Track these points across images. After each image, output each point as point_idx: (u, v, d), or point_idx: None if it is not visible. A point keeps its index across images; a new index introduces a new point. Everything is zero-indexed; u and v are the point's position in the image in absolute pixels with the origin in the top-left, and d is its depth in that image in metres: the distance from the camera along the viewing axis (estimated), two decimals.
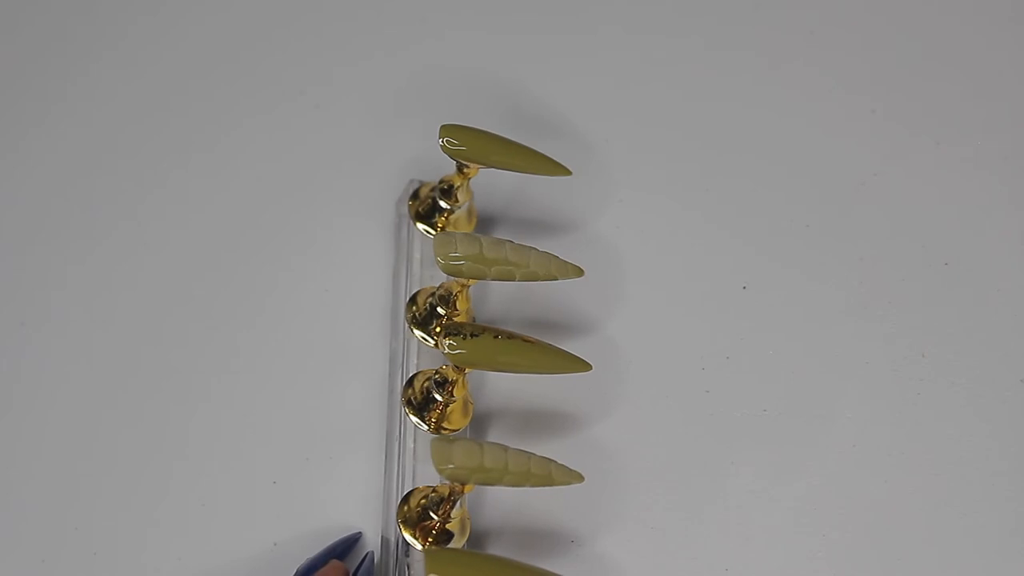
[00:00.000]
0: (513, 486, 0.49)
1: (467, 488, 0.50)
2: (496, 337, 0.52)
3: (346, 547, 0.53)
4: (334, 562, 0.51)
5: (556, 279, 0.54)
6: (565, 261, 0.54)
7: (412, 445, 0.54)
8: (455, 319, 0.55)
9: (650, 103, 0.63)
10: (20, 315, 0.59)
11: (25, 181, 0.61)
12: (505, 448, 0.50)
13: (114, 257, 0.60)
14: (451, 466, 0.49)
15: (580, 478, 0.50)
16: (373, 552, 0.53)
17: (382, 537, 0.53)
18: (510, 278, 0.53)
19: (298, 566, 0.51)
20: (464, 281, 0.54)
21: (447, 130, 0.55)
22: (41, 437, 0.56)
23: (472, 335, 0.52)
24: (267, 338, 0.58)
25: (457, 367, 0.52)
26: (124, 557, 0.54)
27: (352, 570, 0.52)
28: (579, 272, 0.54)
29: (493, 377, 0.56)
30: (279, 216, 0.61)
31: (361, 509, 0.54)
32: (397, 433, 0.55)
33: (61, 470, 0.55)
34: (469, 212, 0.59)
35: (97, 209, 0.61)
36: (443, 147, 0.55)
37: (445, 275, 0.55)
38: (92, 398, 0.57)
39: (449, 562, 0.47)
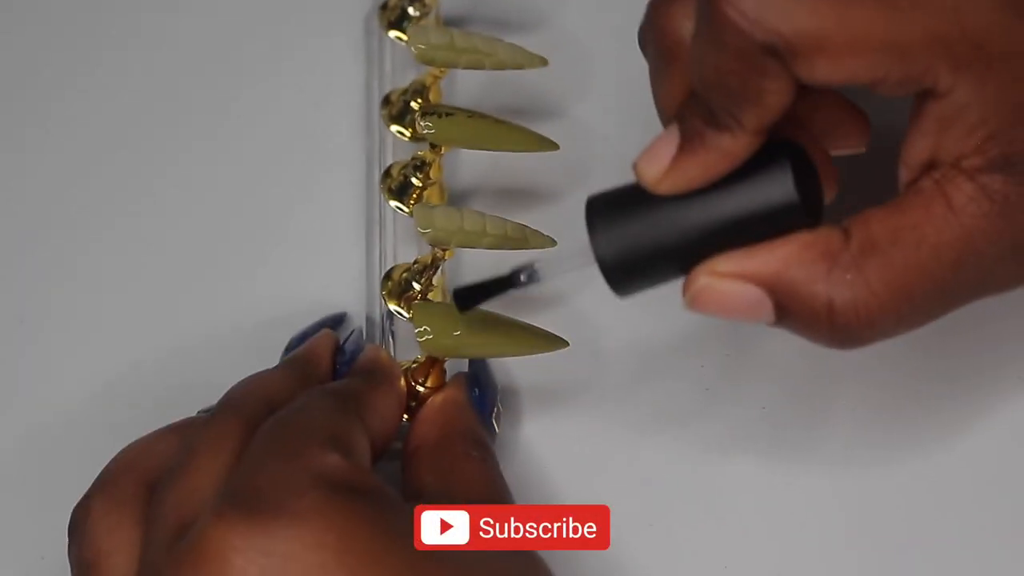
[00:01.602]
0: (491, 248, 0.52)
1: (448, 253, 0.53)
2: (469, 116, 0.55)
3: (333, 324, 0.54)
4: (326, 330, 0.53)
5: (523, 68, 0.56)
6: (531, 52, 0.56)
7: (392, 229, 0.57)
8: None
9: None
10: (20, 313, 0.58)
11: (25, 179, 0.61)
12: (483, 214, 0.53)
13: (108, 256, 0.59)
14: (432, 229, 0.52)
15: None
16: (361, 327, 0.55)
17: (367, 317, 0.56)
18: (479, 66, 0.56)
19: (290, 337, 0.54)
20: (436, 72, 0.57)
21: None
22: (41, 435, 0.55)
23: (447, 115, 0.54)
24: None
25: (433, 147, 0.55)
26: None
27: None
28: (544, 62, 0.57)
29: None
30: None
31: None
32: (377, 217, 0.57)
33: (61, 469, 0.54)
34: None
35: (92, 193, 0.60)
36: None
37: (417, 71, 0.57)
38: (91, 396, 0.56)
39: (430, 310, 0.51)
